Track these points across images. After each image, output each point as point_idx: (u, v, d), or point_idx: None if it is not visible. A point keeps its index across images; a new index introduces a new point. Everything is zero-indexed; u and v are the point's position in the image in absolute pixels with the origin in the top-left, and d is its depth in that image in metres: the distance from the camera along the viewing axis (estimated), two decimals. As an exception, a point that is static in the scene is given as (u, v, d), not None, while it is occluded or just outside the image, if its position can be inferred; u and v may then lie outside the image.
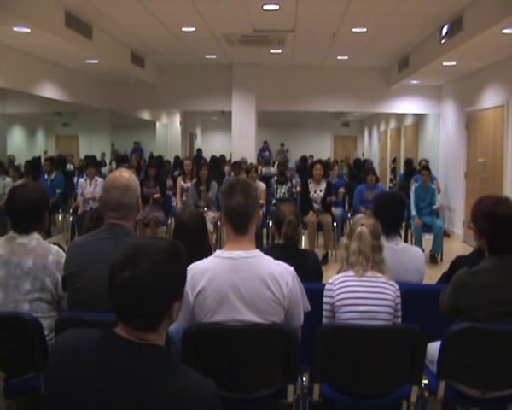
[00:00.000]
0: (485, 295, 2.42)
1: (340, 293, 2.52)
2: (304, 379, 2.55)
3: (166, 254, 1.43)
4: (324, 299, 2.58)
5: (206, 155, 14.52)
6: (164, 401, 1.33)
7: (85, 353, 1.41)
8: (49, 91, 8.58)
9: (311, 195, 7.46)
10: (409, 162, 10.77)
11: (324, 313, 2.59)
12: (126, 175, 2.44)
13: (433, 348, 2.59)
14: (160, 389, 1.34)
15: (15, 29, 6.08)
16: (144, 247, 1.43)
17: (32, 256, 2.54)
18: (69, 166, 10.65)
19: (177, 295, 1.45)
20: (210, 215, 7.16)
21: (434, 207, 7.69)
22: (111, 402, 1.34)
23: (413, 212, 7.54)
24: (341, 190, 8.23)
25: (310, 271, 3.10)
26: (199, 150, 16.49)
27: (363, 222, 2.65)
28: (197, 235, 3.20)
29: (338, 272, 2.67)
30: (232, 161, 10.56)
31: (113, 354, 1.39)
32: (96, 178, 7.97)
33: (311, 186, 7.50)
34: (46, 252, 2.59)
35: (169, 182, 9.20)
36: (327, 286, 2.59)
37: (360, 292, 2.51)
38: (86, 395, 1.36)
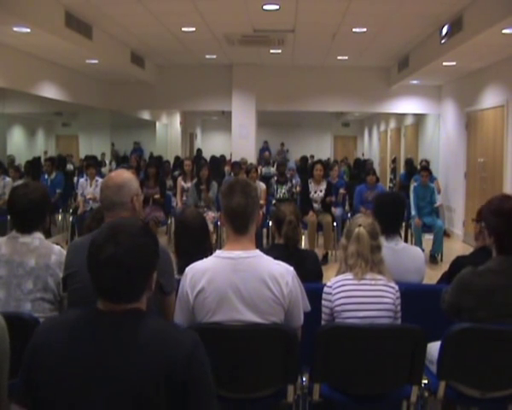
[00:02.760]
0: (489, 296, 2.41)
1: (340, 298, 2.51)
2: (304, 379, 2.55)
3: (140, 229, 1.56)
4: (323, 302, 2.57)
5: (206, 155, 14.52)
6: (139, 355, 1.43)
7: (67, 327, 1.51)
8: (49, 91, 8.58)
9: (311, 195, 7.46)
10: (409, 162, 10.78)
11: (323, 316, 2.58)
12: (121, 175, 2.44)
13: (433, 348, 2.59)
14: (136, 345, 1.44)
15: (15, 29, 6.08)
16: (121, 225, 1.54)
17: (34, 256, 2.55)
18: (69, 167, 10.65)
19: (154, 265, 1.57)
20: (210, 215, 7.16)
21: (436, 204, 7.70)
22: (100, 367, 1.42)
23: (413, 212, 7.54)
24: (342, 190, 8.22)
25: (310, 271, 3.10)
26: (199, 150, 16.49)
27: (361, 222, 2.63)
28: (200, 235, 3.20)
29: (337, 273, 2.66)
30: (232, 161, 10.56)
31: (98, 323, 1.48)
32: (97, 178, 7.97)
33: (312, 186, 7.50)
34: (49, 252, 2.59)
35: (169, 182, 9.20)
36: (325, 289, 2.58)
37: (359, 297, 2.49)
38: (75, 368, 1.43)
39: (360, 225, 2.60)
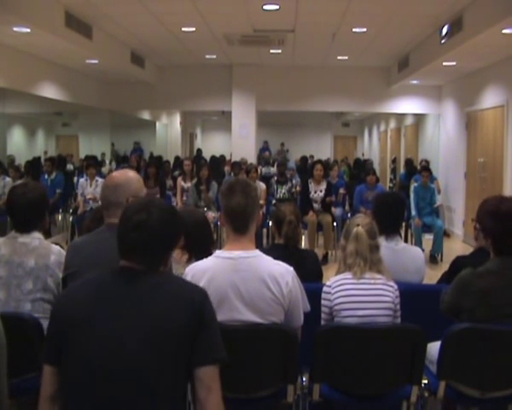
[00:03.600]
0: (488, 297, 2.41)
1: (339, 297, 2.51)
2: (304, 379, 2.55)
3: (170, 209, 1.80)
4: (322, 302, 2.57)
5: (206, 155, 14.52)
6: (168, 304, 1.62)
7: (97, 283, 1.67)
8: (49, 91, 8.58)
9: (311, 195, 7.46)
10: (409, 162, 10.78)
11: (323, 316, 2.58)
12: (123, 174, 2.43)
13: (433, 348, 2.59)
14: (165, 296, 1.63)
15: (15, 29, 6.08)
16: (153, 200, 1.76)
17: (33, 256, 2.55)
18: (69, 167, 10.65)
19: (175, 243, 1.80)
20: (210, 215, 7.16)
21: (435, 205, 7.70)
22: (122, 318, 1.58)
23: (413, 212, 7.54)
24: (341, 190, 8.22)
25: (310, 271, 3.10)
26: (199, 150, 16.48)
27: (359, 222, 2.63)
28: (202, 235, 3.21)
29: (336, 274, 2.67)
30: (232, 161, 10.56)
31: (122, 279, 1.66)
32: (97, 178, 7.97)
33: (312, 186, 7.50)
34: (48, 252, 2.59)
35: (169, 182, 9.20)
36: (325, 289, 2.58)
37: (358, 296, 2.49)
38: (100, 318, 1.58)
39: (358, 225, 2.60)
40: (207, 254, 2.34)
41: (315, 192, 7.48)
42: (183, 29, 7.68)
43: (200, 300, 1.67)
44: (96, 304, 1.60)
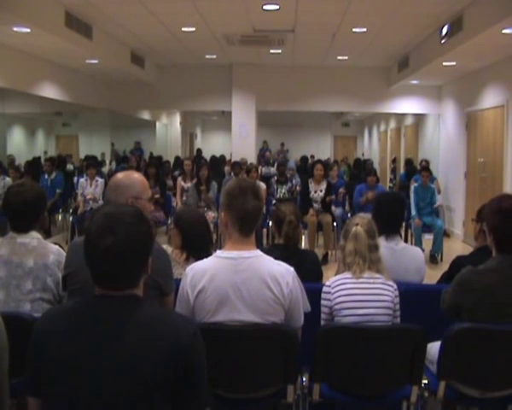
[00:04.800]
0: (489, 295, 2.41)
1: (339, 296, 2.51)
2: (304, 379, 2.55)
3: (135, 216, 1.58)
4: (322, 302, 2.58)
5: (206, 155, 14.51)
6: (142, 335, 1.48)
7: (67, 314, 1.56)
8: (49, 91, 8.58)
9: (311, 194, 7.46)
10: (409, 162, 10.77)
11: (322, 316, 2.58)
12: (126, 176, 2.43)
13: (433, 348, 2.59)
14: (138, 326, 1.49)
15: (15, 29, 6.08)
16: (115, 213, 1.56)
17: (32, 256, 2.54)
18: (69, 167, 10.65)
19: (151, 249, 1.61)
20: (210, 215, 7.16)
21: (435, 205, 7.71)
22: (101, 353, 1.46)
23: (413, 212, 7.54)
24: (341, 190, 8.22)
25: (310, 271, 3.10)
26: (199, 150, 16.48)
27: (358, 222, 2.63)
28: (201, 235, 3.22)
29: (336, 274, 2.67)
30: (232, 160, 10.56)
31: (98, 308, 1.53)
32: (97, 178, 7.98)
33: (312, 186, 7.50)
34: (47, 251, 2.59)
35: (169, 182, 9.20)
36: (324, 289, 2.58)
37: (358, 295, 2.50)
38: (77, 353, 1.47)
39: (357, 224, 2.61)
40: (206, 254, 2.34)
41: (315, 192, 7.48)
42: (183, 29, 7.68)
43: (188, 343, 1.50)
44: (74, 339, 1.49)
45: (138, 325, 1.50)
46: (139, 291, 1.59)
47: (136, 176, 2.44)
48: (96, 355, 1.46)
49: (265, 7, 6.48)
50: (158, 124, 15.11)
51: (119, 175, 2.44)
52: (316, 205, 7.44)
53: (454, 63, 8.00)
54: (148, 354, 1.46)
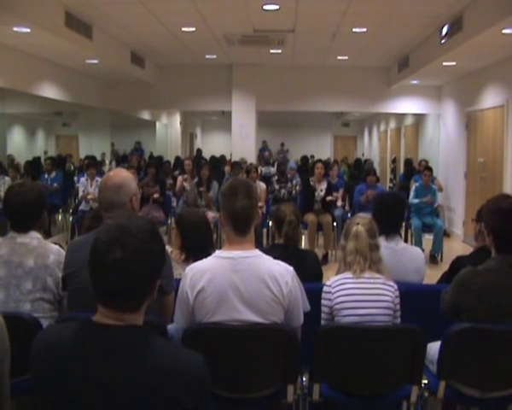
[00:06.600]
0: (488, 296, 2.41)
1: (339, 296, 2.51)
2: (304, 379, 2.55)
3: (148, 232, 1.46)
4: (322, 301, 2.57)
5: (206, 155, 14.51)
6: (149, 380, 1.35)
7: (67, 345, 1.41)
8: (49, 91, 8.58)
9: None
10: (409, 162, 10.77)
11: (323, 316, 2.58)
12: (119, 174, 2.44)
13: (433, 348, 2.59)
14: (145, 369, 1.36)
15: (15, 29, 6.08)
16: (128, 227, 1.43)
17: (33, 256, 2.54)
18: (68, 166, 10.66)
19: (160, 271, 1.48)
20: (210, 215, 7.16)
21: (435, 204, 7.72)
22: (99, 389, 1.35)
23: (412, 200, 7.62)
24: (340, 191, 8.20)
25: (310, 271, 3.10)
26: (199, 150, 16.48)
27: (359, 221, 2.63)
28: (200, 235, 3.22)
29: (336, 273, 2.67)
30: (232, 160, 10.56)
31: (94, 342, 1.39)
32: (97, 178, 7.97)
33: (313, 185, 7.50)
34: (47, 251, 2.58)
35: (169, 182, 9.20)
36: (325, 288, 2.58)
37: (359, 295, 2.49)
38: (74, 386, 1.37)
39: (358, 224, 2.61)
40: (206, 254, 2.34)
41: (315, 191, 7.47)
42: (183, 29, 7.68)
43: (198, 380, 1.40)
44: (73, 375, 1.38)
45: (147, 373, 1.36)
46: (140, 318, 1.46)
47: (128, 173, 2.51)
48: (98, 399, 1.36)
49: (265, 7, 6.48)
50: (158, 124, 15.11)
51: (114, 175, 2.44)
52: (316, 205, 7.44)
53: (454, 63, 8.00)
54: (154, 402, 1.35)
